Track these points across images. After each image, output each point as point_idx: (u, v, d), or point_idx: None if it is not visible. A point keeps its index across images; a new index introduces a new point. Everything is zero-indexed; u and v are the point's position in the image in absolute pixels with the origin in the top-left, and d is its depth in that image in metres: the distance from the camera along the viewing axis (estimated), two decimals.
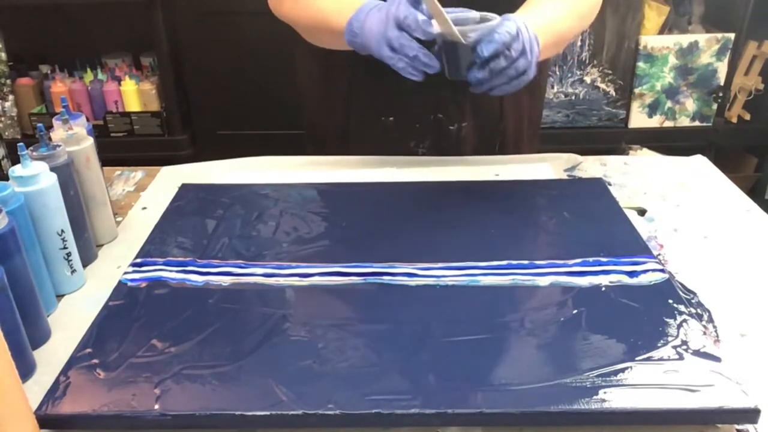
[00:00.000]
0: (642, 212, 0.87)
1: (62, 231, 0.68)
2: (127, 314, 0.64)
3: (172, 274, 0.70)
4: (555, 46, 0.90)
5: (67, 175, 0.71)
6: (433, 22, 0.73)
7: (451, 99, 1.01)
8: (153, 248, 0.75)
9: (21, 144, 0.66)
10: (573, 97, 1.95)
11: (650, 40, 1.88)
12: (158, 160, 1.05)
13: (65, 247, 0.69)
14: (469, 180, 0.92)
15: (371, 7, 0.79)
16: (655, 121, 1.97)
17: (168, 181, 0.95)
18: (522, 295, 0.67)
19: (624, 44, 1.88)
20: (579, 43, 1.87)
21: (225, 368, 0.57)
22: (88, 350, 0.59)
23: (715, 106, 1.94)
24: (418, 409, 0.52)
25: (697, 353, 0.58)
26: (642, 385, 0.54)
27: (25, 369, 0.59)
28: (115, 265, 0.76)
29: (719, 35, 1.89)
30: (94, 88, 1.93)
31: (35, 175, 0.65)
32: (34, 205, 0.65)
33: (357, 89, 1.02)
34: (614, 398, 0.53)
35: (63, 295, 0.71)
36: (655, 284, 0.68)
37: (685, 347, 0.59)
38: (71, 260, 0.70)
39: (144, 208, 0.89)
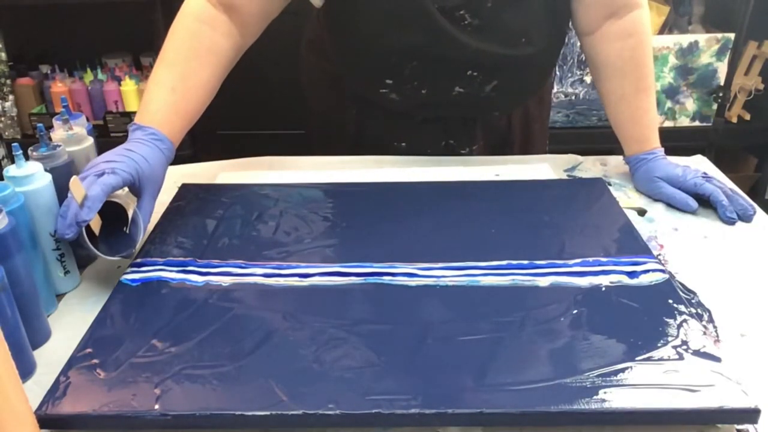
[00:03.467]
0: (642, 212, 0.87)
1: (56, 232, 0.68)
2: (127, 314, 0.64)
3: (172, 274, 0.70)
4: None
5: (67, 175, 0.71)
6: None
7: (462, 126, 1.02)
8: (153, 248, 0.75)
9: (15, 144, 0.66)
10: (573, 97, 1.95)
11: None
12: None
13: (58, 248, 0.69)
14: (469, 180, 0.92)
15: (139, 135, 0.76)
16: None
17: (168, 181, 0.94)
18: (522, 295, 0.67)
19: None
20: (579, 43, 1.87)
21: (225, 368, 0.57)
22: (88, 350, 0.59)
23: (715, 106, 1.94)
24: (418, 409, 0.52)
25: (697, 353, 0.58)
26: (642, 385, 0.54)
27: (25, 369, 0.59)
28: (115, 265, 0.76)
29: (719, 35, 1.89)
30: (94, 88, 1.93)
31: (29, 176, 0.65)
32: (28, 206, 0.65)
33: (367, 117, 1.02)
34: (614, 398, 0.53)
35: (63, 295, 0.71)
36: (655, 284, 0.68)
37: (685, 347, 0.59)
38: (65, 261, 0.70)
39: None
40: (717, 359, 0.57)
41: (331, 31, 0.96)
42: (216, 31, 0.85)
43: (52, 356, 0.61)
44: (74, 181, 0.66)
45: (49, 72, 1.96)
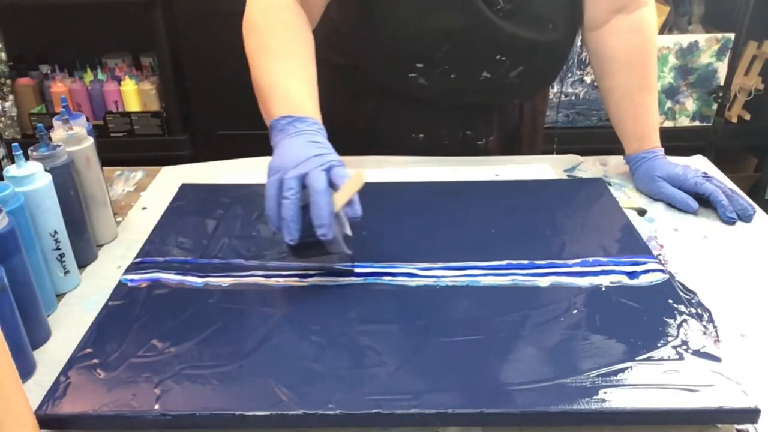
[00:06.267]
0: (642, 212, 0.87)
1: (55, 232, 0.68)
2: (127, 314, 0.64)
3: (171, 275, 0.70)
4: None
5: (67, 175, 0.71)
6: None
7: (480, 116, 1.02)
8: (153, 248, 0.75)
9: (15, 144, 0.66)
10: (573, 97, 1.95)
11: None
12: (158, 160, 1.05)
13: (58, 248, 0.69)
14: (469, 180, 0.92)
15: (304, 127, 0.74)
16: None
17: (168, 181, 0.95)
18: (522, 295, 0.67)
19: None
20: (579, 43, 1.87)
21: (225, 368, 0.57)
22: (88, 350, 0.59)
23: (715, 106, 1.94)
24: (418, 409, 0.52)
25: (697, 353, 0.58)
26: (642, 385, 0.54)
27: (25, 369, 0.59)
28: (115, 265, 0.76)
29: (719, 35, 1.89)
30: (94, 88, 1.93)
31: (29, 176, 0.65)
32: (28, 206, 0.65)
33: (384, 108, 1.02)
34: (614, 398, 0.53)
35: (63, 295, 0.71)
36: (655, 284, 0.68)
37: (685, 347, 0.59)
38: (64, 261, 0.70)
39: (144, 208, 0.89)
40: (717, 359, 0.57)
41: (361, 16, 0.96)
42: (301, 19, 0.85)
43: (52, 356, 0.61)
44: (358, 176, 0.66)
45: (49, 72, 1.96)
